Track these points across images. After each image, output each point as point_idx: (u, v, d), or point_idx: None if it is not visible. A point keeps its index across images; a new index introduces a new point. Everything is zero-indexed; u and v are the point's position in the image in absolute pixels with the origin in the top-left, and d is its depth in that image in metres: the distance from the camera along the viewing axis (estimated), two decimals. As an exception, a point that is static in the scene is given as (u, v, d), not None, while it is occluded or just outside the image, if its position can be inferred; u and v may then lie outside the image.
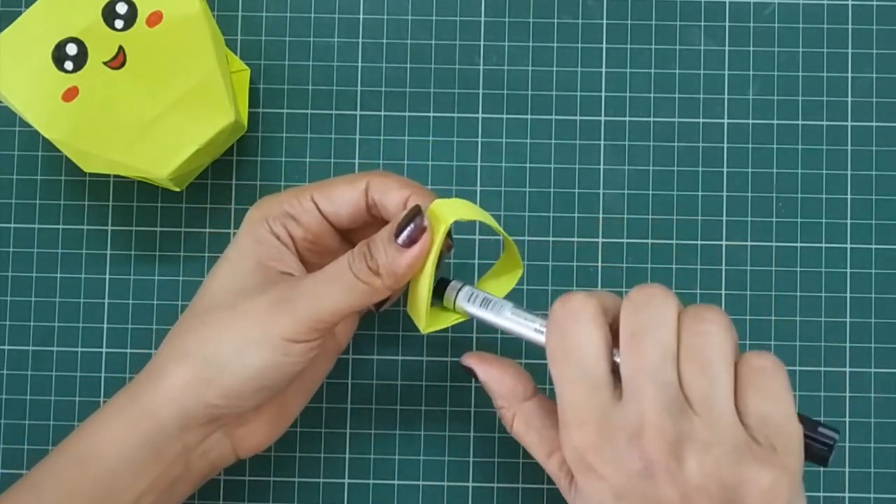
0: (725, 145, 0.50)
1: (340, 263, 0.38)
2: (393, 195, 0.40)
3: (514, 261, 0.43)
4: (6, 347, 0.50)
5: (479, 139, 0.50)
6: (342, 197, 0.41)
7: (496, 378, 0.41)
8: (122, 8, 0.45)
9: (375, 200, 0.41)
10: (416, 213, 0.38)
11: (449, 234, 0.41)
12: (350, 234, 0.43)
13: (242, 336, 0.38)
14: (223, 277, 0.40)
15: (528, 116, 0.50)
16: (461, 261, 0.50)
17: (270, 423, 0.42)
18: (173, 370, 0.39)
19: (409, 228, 0.38)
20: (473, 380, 0.42)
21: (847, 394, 0.49)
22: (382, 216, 0.41)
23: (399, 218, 0.38)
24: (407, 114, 0.51)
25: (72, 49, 0.45)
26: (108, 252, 0.50)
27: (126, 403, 0.40)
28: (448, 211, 0.39)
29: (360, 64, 0.51)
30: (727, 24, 0.51)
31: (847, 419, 0.49)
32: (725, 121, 0.50)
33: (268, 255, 0.40)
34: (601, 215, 0.50)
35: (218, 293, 0.40)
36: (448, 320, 0.42)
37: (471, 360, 0.41)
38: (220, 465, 0.42)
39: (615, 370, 0.36)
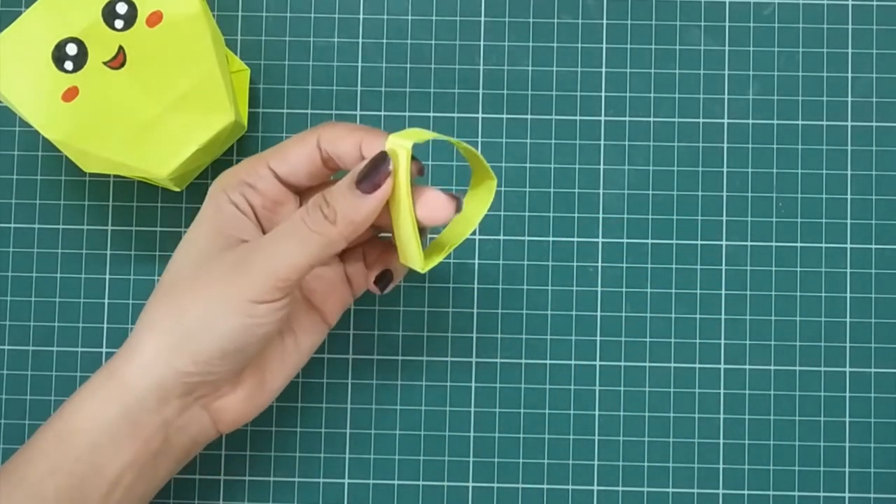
0: (725, 145, 0.50)
1: (294, 218, 0.39)
2: (344, 143, 0.40)
3: (484, 171, 0.41)
4: (6, 347, 0.50)
5: (479, 139, 0.50)
6: (296, 156, 0.41)
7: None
8: (122, 8, 0.45)
9: (329, 153, 0.40)
10: (381, 159, 0.38)
11: (415, 158, 0.40)
12: (310, 196, 0.43)
13: (205, 302, 0.39)
14: (186, 250, 0.41)
15: (528, 116, 0.50)
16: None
17: (249, 397, 0.42)
18: (144, 343, 0.40)
19: (373, 174, 0.38)
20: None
21: (847, 394, 0.49)
22: (340, 167, 0.41)
23: (362, 165, 0.38)
24: (407, 114, 0.51)
25: (72, 49, 0.45)
26: (108, 252, 0.50)
27: (103, 380, 0.40)
28: (405, 139, 0.38)
29: (360, 64, 0.51)
30: (727, 24, 0.51)
31: (847, 419, 0.49)
32: (725, 121, 0.50)
33: (227, 224, 0.41)
34: (601, 215, 0.50)
35: (182, 265, 0.41)
36: (443, 253, 0.41)
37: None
38: (202, 441, 0.42)
39: None
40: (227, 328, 0.38)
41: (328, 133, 0.40)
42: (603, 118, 0.50)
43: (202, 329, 0.39)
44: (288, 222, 0.39)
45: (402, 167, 0.38)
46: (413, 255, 0.40)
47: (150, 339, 0.40)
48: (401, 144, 0.38)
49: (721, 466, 0.49)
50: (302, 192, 0.43)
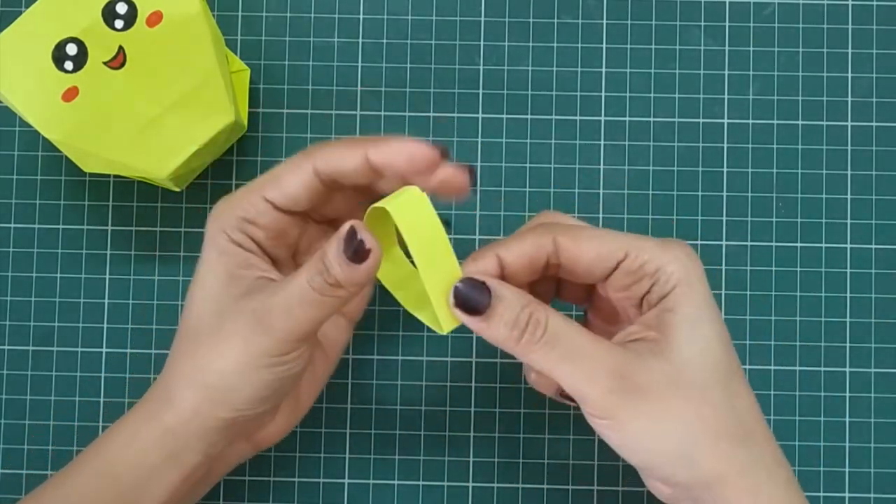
0: (725, 145, 0.50)
1: (301, 283, 0.38)
2: (348, 161, 0.38)
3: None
4: (6, 347, 0.50)
5: (479, 139, 0.50)
6: (293, 186, 0.39)
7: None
8: (122, 8, 0.45)
9: (331, 175, 0.39)
10: (352, 234, 0.36)
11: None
12: (312, 214, 0.42)
13: (234, 360, 0.38)
14: (202, 297, 0.40)
15: (528, 116, 0.50)
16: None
17: (286, 420, 0.43)
18: (182, 394, 0.40)
19: (352, 247, 0.36)
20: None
21: (847, 394, 0.49)
22: (346, 185, 0.40)
23: (340, 235, 0.37)
24: (407, 114, 0.51)
25: (72, 49, 0.45)
26: (108, 252, 0.50)
27: (144, 424, 0.40)
28: (400, 213, 0.37)
29: (360, 64, 0.51)
30: (727, 24, 0.51)
31: (847, 419, 0.49)
32: (725, 121, 0.50)
33: (237, 265, 0.40)
34: (601, 215, 0.50)
35: (201, 315, 0.40)
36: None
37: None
38: (239, 463, 0.44)
39: None
40: (258, 378, 0.39)
41: (325, 156, 0.39)
42: (603, 118, 0.50)
43: (237, 383, 0.39)
44: (296, 285, 0.38)
45: (419, 220, 0.36)
46: (431, 317, 0.39)
47: (188, 390, 0.39)
48: (404, 203, 0.36)
49: (721, 466, 0.49)
50: (304, 215, 0.42)
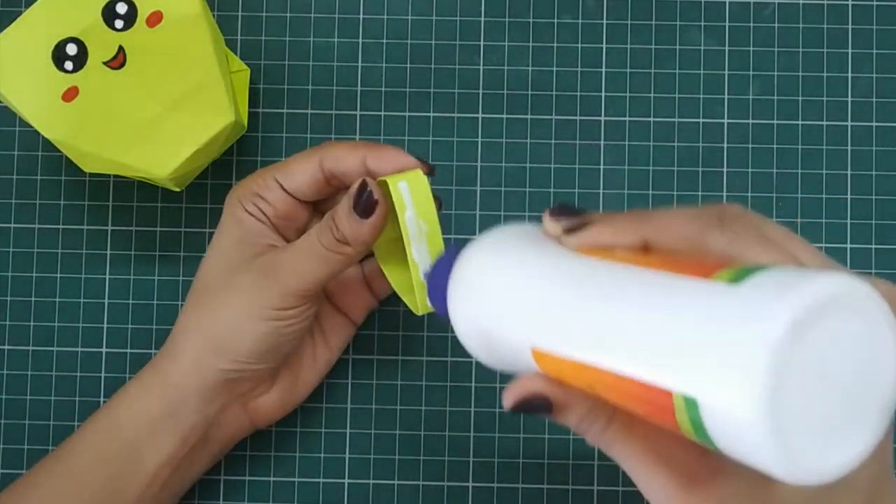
0: (725, 145, 0.50)
1: (311, 237, 0.41)
2: (347, 162, 0.42)
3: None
4: (6, 347, 0.50)
5: (479, 139, 0.50)
6: (299, 173, 0.43)
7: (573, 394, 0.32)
8: (122, 8, 0.45)
9: (333, 172, 0.42)
10: (363, 187, 0.40)
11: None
12: (321, 206, 0.45)
13: (239, 308, 0.42)
14: (214, 257, 0.44)
15: (528, 116, 0.50)
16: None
17: (284, 394, 0.45)
18: (185, 346, 0.43)
19: (362, 201, 0.40)
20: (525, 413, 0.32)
21: (847, 394, 0.49)
22: (344, 185, 0.43)
23: (352, 191, 0.40)
24: (407, 114, 0.51)
25: (72, 49, 0.45)
26: (108, 252, 0.50)
27: (149, 379, 0.43)
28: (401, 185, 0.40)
29: (360, 64, 0.51)
30: (727, 24, 0.51)
31: (847, 419, 0.49)
32: (725, 121, 0.50)
33: (249, 232, 0.43)
34: (601, 215, 0.50)
35: (211, 272, 0.43)
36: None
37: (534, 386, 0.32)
38: (238, 437, 0.46)
39: None
40: (259, 331, 0.41)
41: (329, 154, 0.42)
42: (603, 118, 0.50)
43: (238, 332, 0.42)
44: (306, 240, 0.41)
45: (408, 203, 0.39)
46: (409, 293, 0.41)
47: (190, 342, 0.42)
48: (403, 180, 0.39)
49: (721, 466, 0.49)
50: (316, 203, 0.45)
